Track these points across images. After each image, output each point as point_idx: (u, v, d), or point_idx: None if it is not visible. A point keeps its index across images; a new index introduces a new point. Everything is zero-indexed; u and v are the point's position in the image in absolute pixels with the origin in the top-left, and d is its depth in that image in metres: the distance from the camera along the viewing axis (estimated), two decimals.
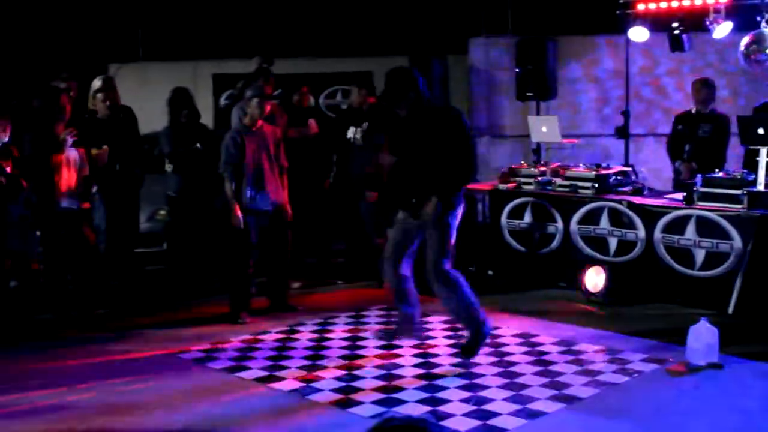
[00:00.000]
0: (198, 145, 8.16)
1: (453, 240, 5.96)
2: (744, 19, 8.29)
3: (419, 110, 5.92)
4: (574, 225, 7.94)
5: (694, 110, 8.34)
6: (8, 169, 6.46)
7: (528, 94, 10.53)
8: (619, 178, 8.11)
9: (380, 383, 5.61)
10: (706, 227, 7.12)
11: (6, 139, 6.49)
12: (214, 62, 11.79)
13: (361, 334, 6.73)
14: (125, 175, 7.82)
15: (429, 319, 7.11)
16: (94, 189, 7.28)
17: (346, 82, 11.18)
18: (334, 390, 5.51)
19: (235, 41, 11.17)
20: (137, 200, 8.15)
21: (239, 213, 7.10)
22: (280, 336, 6.74)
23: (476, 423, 4.93)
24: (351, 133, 8.41)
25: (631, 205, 7.61)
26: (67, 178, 6.85)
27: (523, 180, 8.49)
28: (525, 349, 6.29)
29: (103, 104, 7.70)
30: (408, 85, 5.88)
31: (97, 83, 7.95)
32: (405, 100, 5.90)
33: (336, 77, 11.49)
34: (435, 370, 5.85)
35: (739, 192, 7.02)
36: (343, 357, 6.19)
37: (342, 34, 11.65)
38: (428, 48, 11.03)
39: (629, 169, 8.42)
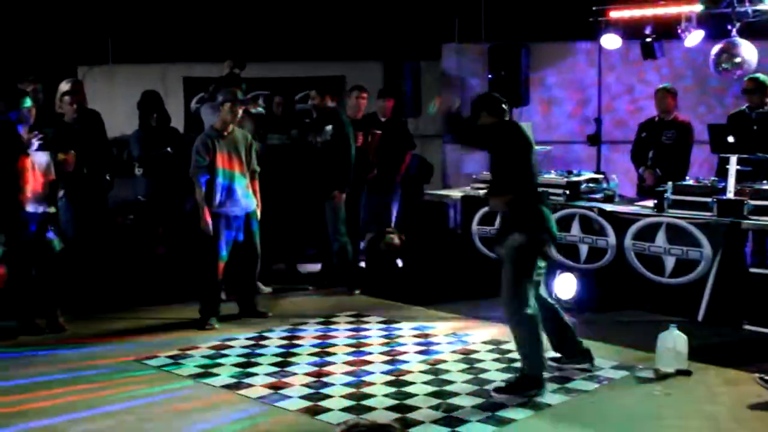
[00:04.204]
0: (168, 148, 8.10)
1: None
2: (715, 27, 8.34)
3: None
4: None
5: (657, 118, 8.42)
6: None
7: None
8: (590, 185, 8.12)
9: (349, 390, 5.57)
10: (677, 234, 7.14)
11: None
12: (184, 65, 11.69)
13: (330, 341, 6.69)
14: (93, 179, 7.74)
15: (398, 325, 7.09)
16: (61, 193, 7.18)
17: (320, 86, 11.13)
18: (303, 397, 5.46)
19: (206, 44, 11.08)
20: (106, 204, 8.07)
21: (209, 218, 7.04)
22: (248, 342, 6.67)
23: (445, 430, 4.90)
24: (310, 138, 8.33)
25: (602, 212, 7.62)
26: (33, 182, 6.74)
27: None
28: (495, 356, 6.27)
29: (70, 107, 7.63)
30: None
31: (64, 86, 7.87)
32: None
33: (308, 82, 11.43)
34: (404, 377, 5.81)
35: (709, 200, 7.05)
36: (312, 364, 6.13)
37: (315, 38, 11.59)
38: (401, 53, 11.01)
39: (601, 176, 8.43)
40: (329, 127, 8.17)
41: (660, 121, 8.35)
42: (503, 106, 5.71)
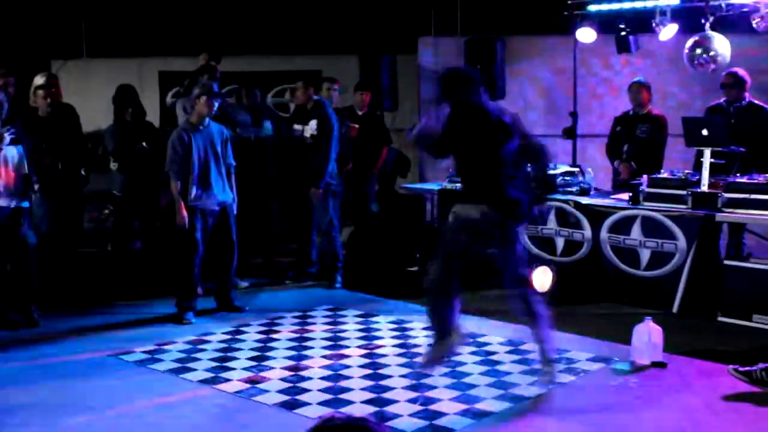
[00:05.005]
0: (143, 143, 8.05)
1: None
2: (689, 21, 8.39)
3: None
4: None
5: (631, 111, 8.47)
6: None
7: None
8: (566, 178, 8.16)
9: (327, 384, 5.57)
10: (652, 227, 7.20)
11: None
12: (160, 59, 11.63)
13: (307, 335, 6.68)
14: (68, 174, 7.68)
15: (376, 318, 7.09)
16: (36, 188, 7.12)
17: (295, 80, 11.07)
18: (281, 391, 5.45)
19: (182, 38, 11.03)
20: (81, 200, 8.01)
21: (185, 212, 7.00)
22: (225, 337, 6.65)
23: (423, 423, 4.91)
24: (296, 131, 8.30)
25: (578, 205, 7.66)
26: (5, 177, 6.67)
27: None
28: (472, 349, 6.28)
29: (44, 101, 7.54)
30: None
31: (39, 80, 7.78)
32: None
33: (284, 75, 11.41)
34: (382, 371, 5.82)
35: (683, 192, 7.11)
36: (289, 358, 6.12)
37: (291, 31, 11.57)
38: (377, 47, 11.00)
39: (576, 169, 8.47)
40: (314, 122, 8.15)
41: (634, 115, 8.40)
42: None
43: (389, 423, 4.90)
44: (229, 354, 6.22)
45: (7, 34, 10.74)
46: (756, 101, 7.84)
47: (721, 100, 7.97)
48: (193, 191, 7.02)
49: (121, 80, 8.71)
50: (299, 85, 8.38)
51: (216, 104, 7.15)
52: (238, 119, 8.28)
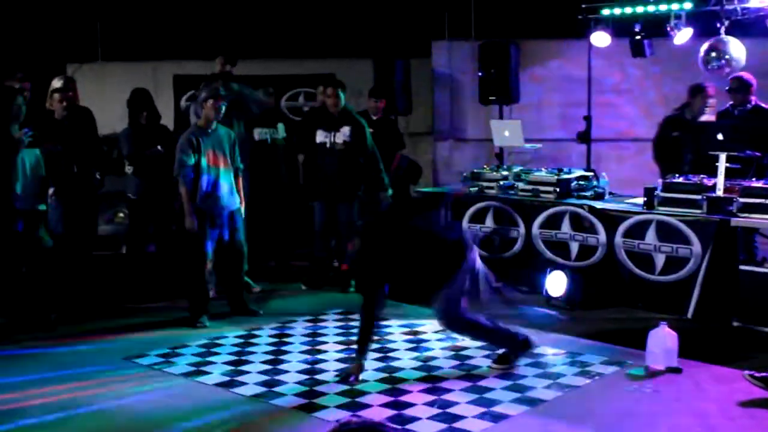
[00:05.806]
0: (158, 146, 8.08)
1: None
2: (704, 25, 8.37)
3: None
4: (535, 229, 7.96)
5: (689, 117, 8.14)
6: None
7: (491, 97, 10.54)
8: (580, 182, 8.14)
9: (343, 387, 5.57)
10: (666, 232, 7.17)
11: None
12: (175, 63, 11.65)
13: (321, 338, 6.69)
14: (83, 177, 7.72)
15: (389, 322, 7.09)
16: (51, 191, 7.16)
17: (308, 84, 11.09)
18: (297, 395, 5.46)
19: (196, 42, 11.05)
20: (96, 203, 8.04)
21: (194, 216, 7.01)
22: (239, 340, 6.67)
23: (441, 426, 4.92)
24: (323, 137, 8.21)
25: (593, 210, 7.65)
26: (23, 180, 6.72)
27: (485, 184, 8.48)
28: (487, 352, 6.27)
29: (60, 105, 7.59)
30: None
31: (56, 83, 7.84)
32: None
33: (298, 79, 11.42)
34: (397, 374, 5.82)
35: (698, 197, 7.09)
36: (303, 361, 6.13)
37: (304, 35, 11.58)
38: (391, 51, 11.01)
39: (591, 173, 8.45)
40: (347, 128, 8.12)
41: (694, 122, 8.01)
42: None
43: (408, 426, 4.91)
44: (243, 357, 6.24)
45: (23, 38, 10.80)
46: (761, 104, 7.82)
47: (728, 104, 7.95)
48: (202, 195, 7.03)
49: (135, 84, 8.75)
50: (330, 92, 8.14)
51: (223, 107, 7.16)
52: (254, 96, 8.28)
